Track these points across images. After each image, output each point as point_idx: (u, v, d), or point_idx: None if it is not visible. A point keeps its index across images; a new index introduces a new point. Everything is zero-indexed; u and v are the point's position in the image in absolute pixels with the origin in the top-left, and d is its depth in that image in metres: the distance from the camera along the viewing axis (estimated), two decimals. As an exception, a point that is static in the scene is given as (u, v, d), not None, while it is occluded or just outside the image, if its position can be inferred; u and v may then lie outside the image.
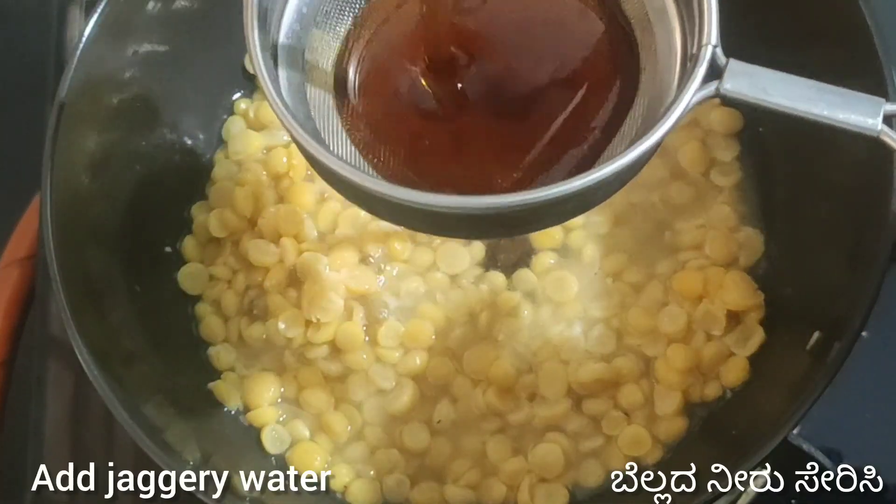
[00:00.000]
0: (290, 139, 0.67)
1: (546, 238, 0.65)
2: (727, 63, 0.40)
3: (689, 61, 0.42)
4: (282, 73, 0.44)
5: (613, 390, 0.61)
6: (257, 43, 0.41)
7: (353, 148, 0.45)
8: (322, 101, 0.46)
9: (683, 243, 0.64)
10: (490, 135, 0.46)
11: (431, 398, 0.62)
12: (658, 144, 0.40)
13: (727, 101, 0.41)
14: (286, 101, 0.42)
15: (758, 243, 0.63)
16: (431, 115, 0.47)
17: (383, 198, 0.39)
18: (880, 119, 0.40)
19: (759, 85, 0.40)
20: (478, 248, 0.65)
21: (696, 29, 0.41)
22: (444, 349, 0.63)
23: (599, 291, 0.63)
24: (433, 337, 0.63)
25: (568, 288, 0.63)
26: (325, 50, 0.46)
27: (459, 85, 0.46)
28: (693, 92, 0.39)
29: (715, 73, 0.40)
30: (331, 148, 0.44)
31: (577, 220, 0.64)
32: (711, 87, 0.40)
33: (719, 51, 0.40)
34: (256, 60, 0.41)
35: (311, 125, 0.44)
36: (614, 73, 0.46)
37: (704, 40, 0.40)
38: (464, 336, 0.63)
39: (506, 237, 0.64)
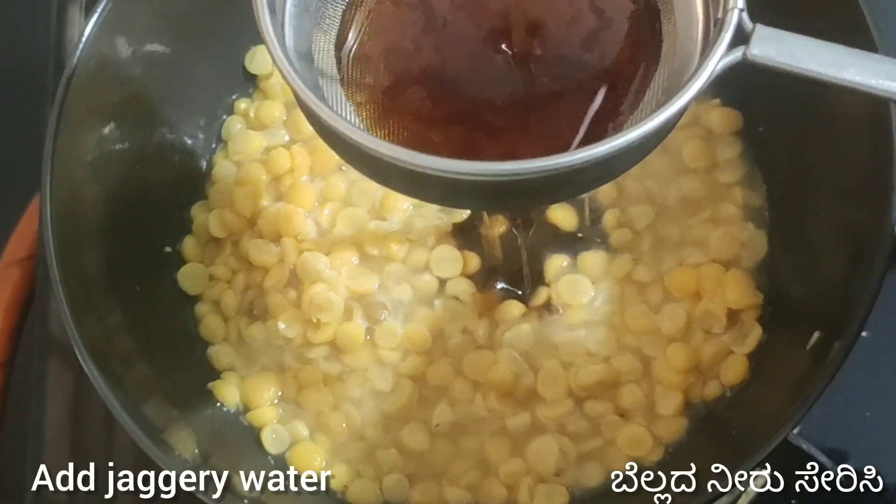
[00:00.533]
0: (290, 139, 0.68)
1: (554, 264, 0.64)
2: (754, 28, 0.39)
3: (714, 26, 0.41)
4: (289, 40, 0.43)
5: (613, 391, 0.61)
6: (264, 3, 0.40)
7: (362, 115, 0.44)
8: (330, 68, 0.45)
9: (688, 241, 0.64)
10: (508, 104, 0.45)
11: (431, 399, 0.62)
12: (681, 113, 0.39)
13: (752, 68, 0.39)
14: (293, 61, 0.40)
15: (761, 244, 0.63)
16: (447, 79, 0.45)
17: (398, 164, 0.38)
18: None
19: (787, 50, 0.39)
20: (474, 260, 0.64)
21: None
22: (443, 352, 0.63)
23: (607, 294, 0.63)
24: (430, 340, 0.63)
25: (583, 291, 0.63)
26: (335, 16, 0.45)
27: (475, 50, 0.45)
28: (719, 57, 0.38)
29: (740, 38, 0.39)
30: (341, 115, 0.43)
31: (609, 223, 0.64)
32: (738, 53, 0.39)
33: (745, 15, 0.39)
34: (262, 17, 0.40)
35: (320, 94, 0.43)
36: (636, 45, 0.45)
37: (731, 4, 0.39)
38: (462, 341, 0.62)
39: (523, 209, 0.61)
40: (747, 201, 0.64)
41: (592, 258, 0.64)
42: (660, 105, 0.40)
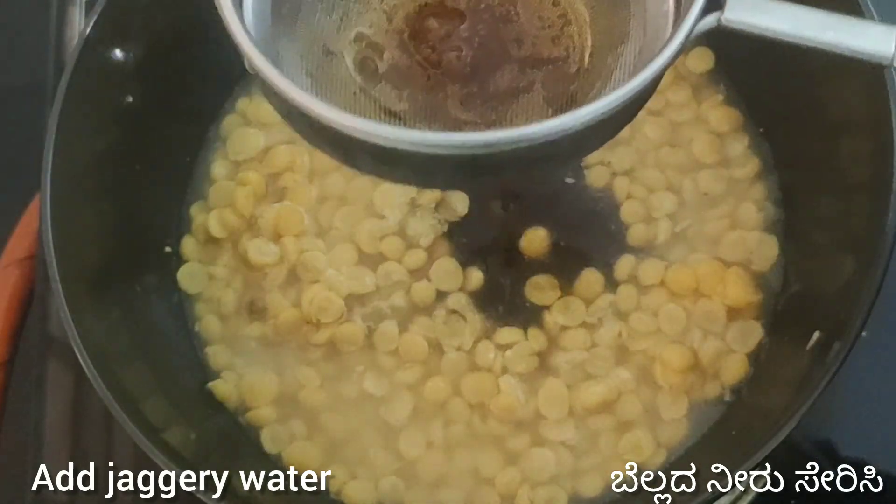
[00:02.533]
0: (289, 138, 0.68)
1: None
2: None
3: None
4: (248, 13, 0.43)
5: (616, 403, 0.60)
6: None
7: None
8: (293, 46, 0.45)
9: (701, 237, 0.63)
10: (465, 86, 0.45)
11: (427, 410, 0.61)
12: (654, 84, 0.38)
13: (729, 34, 0.39)
14: (247, 27, 0.40)
15: (772, 249, 0.62)
16: (405, 58, 0.45)
17: (365, 139, 0.38)
18: (893, 46, 0.38)
19: (763, 14, 0.39)
20: (476, 277, 0.64)
21: None
22: (439, 367, 0.62)
23: (607, 314, 0.62)
24: (427, 350, 0.62)
25: (577, 315, 0.62)
26: None
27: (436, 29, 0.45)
28: (693, 22, 0.38)
29: (715, 5, 0.38)
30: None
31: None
32: (712, 18, 0.39)
33: None
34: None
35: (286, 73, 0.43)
36: (600, 24, 0.45)
37: None
38: (459, 358, 0.62)
39: (495, 183, 0.61)
40: (763, 204, 0.64)
41: (592, 276, 0.63)
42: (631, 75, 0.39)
